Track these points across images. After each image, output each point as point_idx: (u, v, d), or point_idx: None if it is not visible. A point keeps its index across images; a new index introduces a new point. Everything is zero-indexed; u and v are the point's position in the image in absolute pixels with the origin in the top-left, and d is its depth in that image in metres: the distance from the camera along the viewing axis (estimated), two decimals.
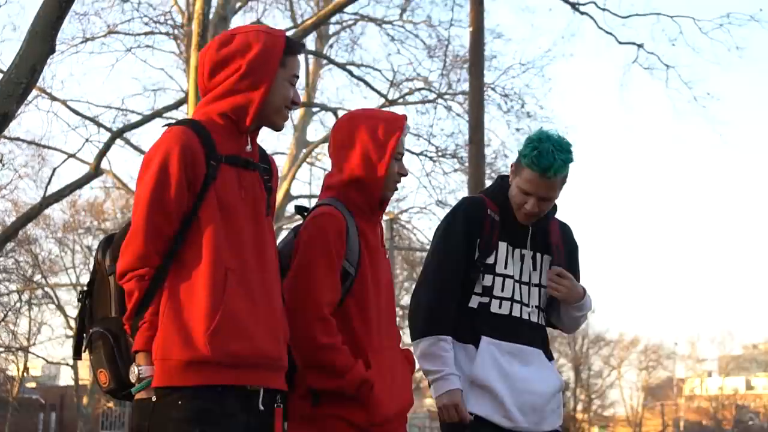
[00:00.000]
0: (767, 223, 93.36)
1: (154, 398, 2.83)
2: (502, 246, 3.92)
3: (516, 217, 3.93)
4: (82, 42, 19.08)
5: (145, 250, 2.87)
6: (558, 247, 4.03)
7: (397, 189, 3.47)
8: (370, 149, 3.35)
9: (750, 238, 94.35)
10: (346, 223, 3.31)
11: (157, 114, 19.65)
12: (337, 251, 3.27)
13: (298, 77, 3.08)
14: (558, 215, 4.11)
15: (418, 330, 3.84)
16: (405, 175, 3.44)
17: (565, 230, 4.13)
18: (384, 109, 8.93)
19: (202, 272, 2.85)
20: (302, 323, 3.16)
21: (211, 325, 2.81)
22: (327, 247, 3.26)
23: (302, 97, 23.38)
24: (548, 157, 3.76)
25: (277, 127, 3.10)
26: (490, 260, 3.89)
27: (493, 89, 20.07)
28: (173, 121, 3.05)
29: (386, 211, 3.55)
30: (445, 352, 3.80)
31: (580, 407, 53.85)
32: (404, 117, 3.44)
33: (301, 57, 3.10)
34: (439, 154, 21.35)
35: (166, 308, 2.85)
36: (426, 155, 21.37)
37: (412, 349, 3.78)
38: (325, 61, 23.10)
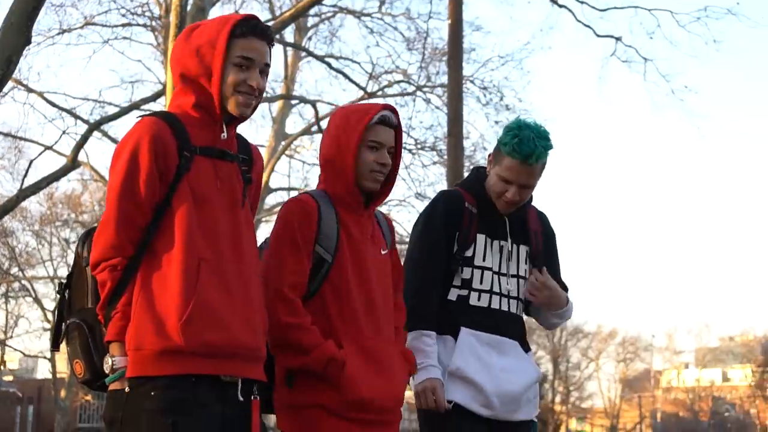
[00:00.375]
0: (744, 216, 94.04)
1: (127, 389, 2.81)
2: (481, 238, 3.92)
3: (494, 208, 3.93)
4: (58, 33, 18.91)
5: (117, 240, 2.86)
6: (536, 235, 4.04)
7: (379, 180, 3.39)
8: (340, 135, 3.36)
9: (727, 230, 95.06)
10: (318, 209, 3.31)
11: (135, 106, 19.49)
12: (303, 235, 3.28)
13: (251, 59, 2.94)
14: (536, 206, 4.11)
15: None
16: (385, 165, 3.37)
17: (542, 218, 4.14)
18: (364, 101, 8.85)
19: (174, 262, 2.83)
20: (267, 305, 3.14)
21: (184, 314, 2.79)
22: (290, 231, 3.27)
23: (281, 90, 23.28)
24: (529, 144, 3.77)
25: (238, 115, 2.98)
26: (469, 253, 3.90)
27: (472, 82, 20.09)
28: (147, 113, 3.02)
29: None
30: (428, 347, 3.80)
31: (558, 399, 54.12)
32: (382, 106, 3.39)
33: (256, 39, 2.94)
34: (418, 146, 21.37)
35: (139, 298, 2.84)
36: (405, 148, 21.33)
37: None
38: (303, 54, 23.02)
